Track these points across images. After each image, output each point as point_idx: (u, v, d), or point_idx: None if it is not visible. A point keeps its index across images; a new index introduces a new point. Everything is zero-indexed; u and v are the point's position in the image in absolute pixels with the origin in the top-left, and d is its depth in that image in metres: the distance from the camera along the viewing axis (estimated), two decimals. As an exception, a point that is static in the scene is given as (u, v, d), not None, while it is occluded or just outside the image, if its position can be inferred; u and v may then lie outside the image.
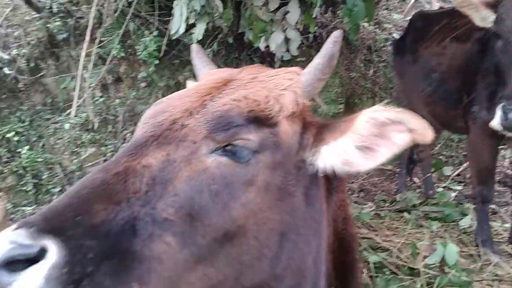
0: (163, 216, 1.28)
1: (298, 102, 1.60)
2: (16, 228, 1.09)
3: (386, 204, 5.55)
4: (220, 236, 1.37)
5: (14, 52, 6.00)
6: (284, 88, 1.60)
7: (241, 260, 1.44)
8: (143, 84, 6.47)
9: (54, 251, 1.08)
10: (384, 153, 1.53)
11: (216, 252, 1.38)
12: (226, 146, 1.42)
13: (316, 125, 1.63)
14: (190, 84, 2.21)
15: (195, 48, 2.10)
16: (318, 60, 1.63)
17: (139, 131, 1.50)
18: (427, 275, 3.22)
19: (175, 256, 1.29)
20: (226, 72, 1.78)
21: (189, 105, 1.52)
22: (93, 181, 1.26)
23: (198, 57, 2.07)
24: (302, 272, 1.63)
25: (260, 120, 1.48)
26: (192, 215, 1.32)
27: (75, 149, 6.24)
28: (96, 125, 6.04)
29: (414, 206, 5.26)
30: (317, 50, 1.68)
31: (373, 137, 1.52)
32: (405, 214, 5.06)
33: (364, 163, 1.54)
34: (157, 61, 6.11)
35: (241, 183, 1.41)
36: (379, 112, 1.51)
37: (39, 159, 6.03)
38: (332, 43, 1.62)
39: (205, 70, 1.97)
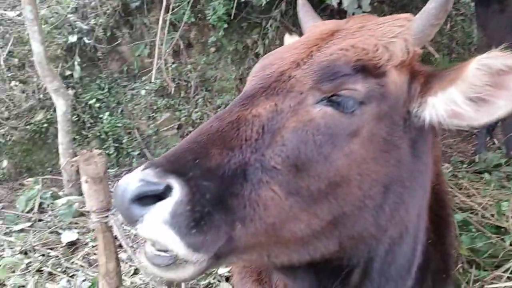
0: (271, 164, 1.34)
1: (409, 50, 1.53)
2: (144, 169, 1.23)
3: (464, 166, 5.36)
4: (324, 186, 1.40)
5: (92, 22, 6.25)
6: (394, 36, 1.54)
7: (343, 209, 1.46)
8: (212, 49, 6.56)
9: (178, 189, 1.19)
10: (502, 105, 1.42)
11: (319, 201, 1.42)
12: (332, 96, 1.42)
13: (424, 74, 1.55)
14: (287, 39, 2.20)
15: (301, 2, 2.06)
16: (433, 3, 1.52)
17: (249, 84, 1.54)
18: (515, 234, 3.12)
19: (280, 204, 1.35)
20: (332, 23, 1.74)
21: (297, 56, 1.52)
22: (210, 128, 1.37)
23: (304, 11, 2.04)
24: (405, 224, 1.63)
25: (367, 69, 1.45)
26: (298, 165, 1.37)
27: (151, 114, 6.50)
28: (172, 90, 6.23)
29: (495, 167, 5.05)
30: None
31: (488, 87, 1.41)
32: (486, 175, 4.88)
33: (477, 117, 1.44)
34: (226, 25, 6.14)
35: (346, 134, 1.42)
36: (494, 58, 1.39)
37: (119, 124, 6.35)
38: None
39: (311, 23, 1.93)
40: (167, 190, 1.19)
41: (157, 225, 1.19)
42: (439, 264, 2.01)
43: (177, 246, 1.20)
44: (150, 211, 1.19)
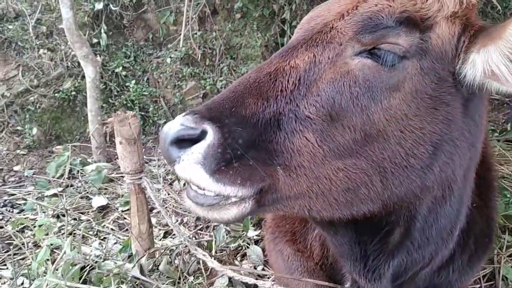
0: (305, 113, 1.37)
1: (462, 0, 1.44)
2: (185, 115, 1.32)
3: (495, 135, 5.22)
4: (360, 137, 1.39)
5: (118, -12, 6.23)
6: None
7: (384, 165, 1.43)
8: (238, 15, 6.46)
9: (211, 134, 1.28)
10: None
11: (356, 152, 1.41)
12: (372, 49, 1.39)
13: (475, 28, 1.46)
14: None
15: None
16: None
17: (294, 36, 1.56)
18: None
19: (314, 151, 1.38)
20: None
21: (344, 7, 1.49)
22: (249, 79, 1.42)
23: None
24: (450, 185, 1.59)
25: (413, 22, 1.39)
26: (332, 115, 1.38)
27: (177, 83, 6.49)
28: (199, 57, 6.20)
29: (529, 135, 4.92)
30: None
31: None
32: (518, 143, 4.76)
33: None
34: (252, -10, 6.04)
35: (385, 87, 1.39)
36: None
37: (145, 93, 6.38)
38: None
39: None
40: (203, 134, 1.28)
41: (191, 165, 1.28)
42: (483, 228, 1.97)
43: (207, 183, 1.29)
44: (186, 152, 1.29)
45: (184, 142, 1.29)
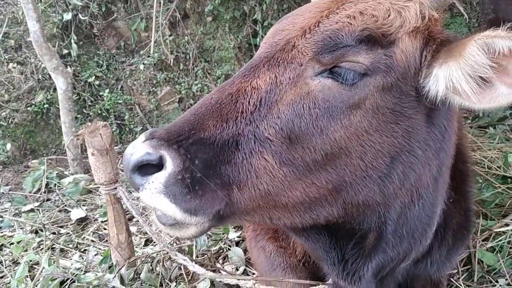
0: (265, 135, 1.38)
1: (424, 14, 1.44)
2: (145, 140, 1.33)
3: (468, 122, 5.33)
4: (320, 157, 1.41)
5: (86, -2, 6.15)
6: None
7: (343, 178, 1.47)
8: (209, 18, 6.44)
9: (170, 161, 1.30)
10: (505, 93, 1.32)
11: (316, 171, 1.43)
12: (332, 67, 1.39)
13: (438, 42, 1.46)
14: None
15: None
16: None
17: (259, 51, 1.55)
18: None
19: (273, 172, 1.40)
20: None
21: (307, 22, 1.48)
22: (210, 100, 1.43)
23: None
24: (418, 189, 1.62)
25: (374, 39, 1.38)
26: (291, 138, 1.39)
27: (151, 89, 6.44)
28: (171, 62, 6.17)
29: (499, 120, 5.02)
30: None
31: (489, 69, 1.31)
32: (490, 129, 4.86)
33: (477, 100, 1.35)
34: (222, -7, 6.03)
35: (345, 106, 1.39)
36: (496, 38, 1.28)
37: (120, 101, 6.31)
38: None
39: None
40: (161, 160, 1.30)
41: (154, 195, 1.30)
42: (461, 222, 2.01)
43: (174, 212, 1.31)
44: (148, 181, 1.31)
45: (146, 167, 1.31)
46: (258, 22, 6.33)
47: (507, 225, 2.75)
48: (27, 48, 5.99)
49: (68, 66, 5.81)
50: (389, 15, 1.41)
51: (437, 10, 1.47)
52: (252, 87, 1.42)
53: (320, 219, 1.56)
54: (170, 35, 6.38)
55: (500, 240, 2.67)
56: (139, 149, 1.31)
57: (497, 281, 2.48)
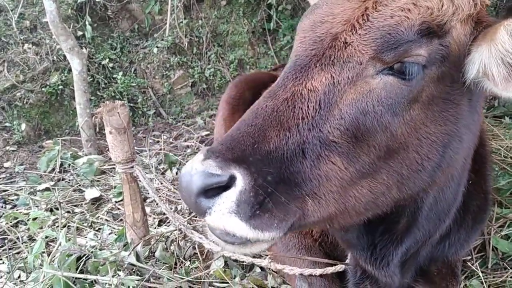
0: (330, 138, 1.33)
1: (476, 1, 1.41)
2: (205, 158, 1.24)
3: (483, 111, 5.28)
4: (383, 153, 1.40)
5: (101, -21, 6.15)
6: None
7: (401, 172, 1.46)
8: (223, 2, 6.43)
9: (240, 179, 1.22)
10: None
11: (379, 167, 1.42)
12: (393, 64, 1.35)
13: (483, 25, 1.43)
14: None
15: None
16: None
17: (299, 46, 1.47)
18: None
19: (341, 174, 1.36)
20: None
21: (350, 14, 1.40)
22: (265, 108, 1.35)
23: None
24: (453, 174, 1.64)
25: (431, 30, 1.34)
26: (357, 136, 1.35)
27: (165, 73, 6.46)
28: (185, 46, 6.16)
29: (516, 110, 4.97)
30: None
31: None
32: (506, 119, 4.82)
33: (504, 86, 1.36)
34: (237, -24, 6.01)
35: (406, 101, 1.37)
36: None
37: (133, 84, 6.34)
38: None
39: None
40: (231, 180, 1.22)
41: (224, 215, 1.22)
42: (480, 203, 2.01)
43: (244, 231, 1.24)
44: (216, 202, 1.23)
45: (212, 189, 1.23)
46: (273, 7, 6.30)
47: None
48: (42, 29, 6.02)
49: (83, 48, 5.83)
50: (442, 5, 1.36)
51: None
52: (308, 89, 1.36)
53: (374, 214, 1.56)
54: (184, 19, 6.37)
55: (515, 228, 2.67)
56: (202, 170, 1.22)
57: (511, 268, 2.48)
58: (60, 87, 5.83)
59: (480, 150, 1.94)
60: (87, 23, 6.06)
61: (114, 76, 6.27)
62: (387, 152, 1.40)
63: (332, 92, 1.35)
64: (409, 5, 1.35)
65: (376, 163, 1.40)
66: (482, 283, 2.34)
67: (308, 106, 1.34)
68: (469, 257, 2.61)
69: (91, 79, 6.05)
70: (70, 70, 5.40)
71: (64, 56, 5.28)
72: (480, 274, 2.35)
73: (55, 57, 5.93)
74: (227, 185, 1.22)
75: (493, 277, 2.45)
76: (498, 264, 2.57)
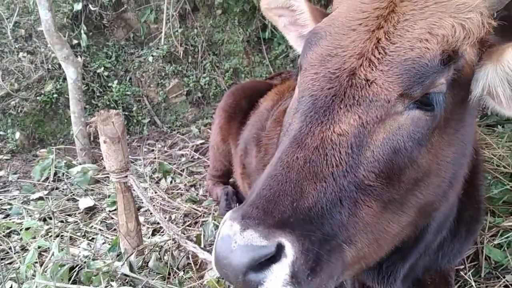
0: (366, 182, 1.29)
1: (484, 24, 1.37)
2: (244, 229, 1.14)
3: (477, 120, 5.31)
4: (411, 186, 1.38)
5: (97, -12, 6.17)
6: (469, 9, 1.35)
7: (425, 199, 1.46)
8: (219, 11, 6.46)
9: (289, 247, 1.14)
10: None
11: (407, 200, 1.40)
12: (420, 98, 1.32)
13: (488, 45, 1.43)
14: (267, 1, 1.96)
15: None
16: None
17: (312, 83, 1.40)
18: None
19: (377, 216, 1.33)
20: None
21: (362, 46, 1.35)
22: (297, 161, 1.27)
23: None
24: (454, 185, 1.64)
25: (450, 58, 1.32)
26: (390, 176, 1.32)
27: (160, 81, 6.47)
28: (181, 55, 6.18)
29: (507, 119, 4.99)
30: None
31: None
32: (498, 128, 4.85)
33: (510, 105, 1.36)
34: (232, -15, 6.05)
35: (430, 131, 1.35)
36: None
37: (128, 92, 6.34)
38: None
39: None
40: (279, 249, 1.14)
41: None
42: (473, 214, 2.03)
43: None
44: (268, 277, 1.15)
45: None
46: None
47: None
48: (37, 37, 6.02)
49: (78, 56, 5.84)
50: (455, 31, 1.33)
51: (492, 17, 1.41)
52: (338, 134, 1.29)
53: (400, 240, 1.55)
54: (179, 27, 6.39)
55: (508, 237, 2.68)
56: (244, 243, 1.12)
57: (504, 277, 2.48)
58: (55, 95, 5.82)
59: (473, 160, 1.96)
60: (82, 31, 6.08)
61: (109, 84, 6.27)
62: (414, 183, 1.38)
63: (362, 134, 1.29)
64: (425, 35, 1.31)
65: (405, 197, 1.38)
66: (475, 292, 2.35)
67: (340, 152, 1.28)
68: (462, 266, 2.62)
69: (86, 88, 6.04)
70: (65, 79, 5.39)
71: (59, 65, 5.28)
72: (473, 283, 2.35)
73: (50, 66, 5.93)
74: (275, 254, 1.13)
75: (486, 286, 2.46)
76: (491, 273, 2.57)
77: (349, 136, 1.29)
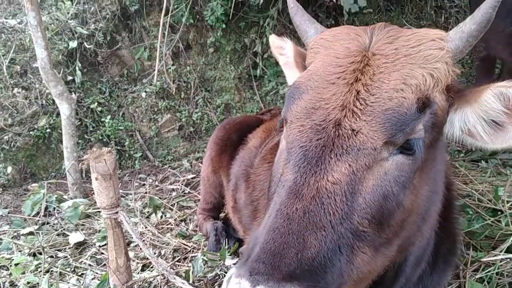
0: (360, 229, 1.36)
1: (450, 72, 1.51)
2: (254, 286, 1.17)
3: (461, 155, 5.44)
4: (398, 228, 1.47)
5: (92, 27, 6.34)
6: (436, 60, 1.49)
7: (405, 236, 1.56)
8: (211, 50, 6.65)
9: None
10: None
11: (392, 240, 1.49)
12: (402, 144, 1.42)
13: (454, 90, 1.55)
14: (273, 39, 2.17)
15: (292, 4, 1.93)
16: (474, 26, 1.49)
17: (299, 135, 1.47)
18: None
19: (369, 260, 1.40)
20: (347, 37, 1.62)
21: (343, 98, 1.44)
22: (296, 212, 1.32)
23: (299, 15, 1.90)
24: (427, 220, 1.73)
25: (424, 104, 1.43)
26: (381, 221, 1.39)
27: (152, 116, 6.58)
28: (173, 91, 6.32)
29: (491, 155, 5.13)
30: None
31: (503, 114, 1.47)
32: (482, 163, 4.97)
33: (490, 141, 1.50)
34: (224, 26, 6.26)
35: (412, 174, 1.45)
36: (511, 89, 1.43)
37: (121, 127, 6.43)
38: (491, 8, 1.47)
39: (311, 29, 1.82)
40: None
41: None
42: (450, 247, 2.11)
43: None
44: None
45: None
46: (258, 54, 6.54)
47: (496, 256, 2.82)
48: (32, 74, 6.15)
49: (72, 92, 5.96)
50: (426, 80, 1.45)
51: (455, 65, 1.55)
52: (332, 182, 1.34)
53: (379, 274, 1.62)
54: (172, 65, 6.56)
55: (489, 271, 2.74)
56: None
57: (486, 311, 2.54)
58: (48, 130, 5.90)
59: (446, 194, 2.06)
60: (77, 68, 6.22)
61: (102, 119, 6.37)
62: (400, 225, 1.47)
63: (354, 181, 1.36)
64: (400, 85, 1.41)
65: (391, 238, 1.46)
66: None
67: (335, 200, 1.33)
68: (446, 301, 2.67)
69: (79, 123, 6.14)
70: (58, 114, 5.49)
71: (53, 100, 5.38)
72: (455, 318, 2.40)
73: (44, 101, 6.03)
74: None
75: (468, 321, 2.51)
76: (474, 308, 2.63)
77: (342, 184, 1.35)
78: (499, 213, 3.35)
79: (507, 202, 3.42)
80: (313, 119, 1.45)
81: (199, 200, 4.78)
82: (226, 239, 3.73)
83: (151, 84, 6.50)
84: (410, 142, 1.40)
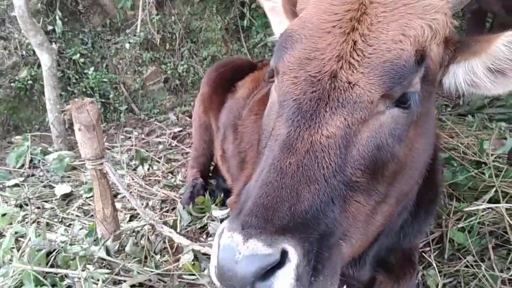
0: (353, 179, 1.35)
1: (448, 23, 1.48)
2: (246, 239, 1.16)
3: (448, 109, 5.47)
4: (392, 179, 1.48)
5: (72, -27, 6.08)
6: (435, 11, 1.44)
7: (403, 189, 1.59)
8: (197, -1, 6.47)
9: (293, 251, 1.17)
10: None
11: (388, 192, 1.51)
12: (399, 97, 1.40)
13: (453, 43, 1.53)
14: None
15: None
16: None
17: (293, 87, 1.43)
18: (495, 168, 3.27)
19: (364, 210, 1.41)
20: None
21: (339, 49, 1.39)
22: (290, 166, 1.30)
23: None
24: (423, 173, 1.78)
25: (422, 57, 1.40)
26: (374, 171, 1.40)
27: (137, 68, 6.45)
28: (158, 42, 6.16)
29: (478, 109, 5.17)
30: None
31: (509, 62, 1.46)
32: (469, 117, 5.02)
33: (493, 88, 1.51)
34: (210, -27, 6.05)
35: (408, 126, 1.45)
36: None
37: (104, 79, 6.29)
38: None
39: None
40: (283, 255, 1.16)
41: None
42: (431, 197, 2.15)
43: None
44: (274, 284, 1.16)
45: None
46: (246, 4, 6.37)
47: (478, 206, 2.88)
48: (10, 23, 5.91)
49: (53, 43, 5.77)
50: (424, 31, 1.41)
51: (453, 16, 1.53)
52: (326, 136, 1.33)
53: (380, 231, 1.67)
54: (157, 15, 6.36)
55: (471, 221, 2.81)
56: (249, 253, 1.14)
57: (465, 258, 2.62)
58: (30, 82, 5.75)
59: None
60: (57, 17, 5.99)
61: (85, 71, 6.21)
62: (394, 176, 1.48)
63: (349, 135, 1.34)
64: (399, 36, 1.37)
65: (387, 189, 1.48)
66: (437, 272, 2.47)
67: (329, 154, 1.32)
68: (428, 249, 2.75)
69: (61, 74, 5.98)
70: (39, 65, 5.33)
71: (33, 51, 5.21)
72: (434, 264, 2.47)
73: (24, 52, 5.84)
74: (280, 261, 1.16)
75: (448, 267, 2.60)
76: (454, 254, 2.71)
77: (336, 137, 1.33)
78: (483, 165, 3.41)
79: (492, 155, 3.48)
80: (307, 71, 1.40)
81: (187, 153, 4.77)
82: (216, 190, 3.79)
83: (134, 35, 6.33)
84: (406, 96, 1.38)
